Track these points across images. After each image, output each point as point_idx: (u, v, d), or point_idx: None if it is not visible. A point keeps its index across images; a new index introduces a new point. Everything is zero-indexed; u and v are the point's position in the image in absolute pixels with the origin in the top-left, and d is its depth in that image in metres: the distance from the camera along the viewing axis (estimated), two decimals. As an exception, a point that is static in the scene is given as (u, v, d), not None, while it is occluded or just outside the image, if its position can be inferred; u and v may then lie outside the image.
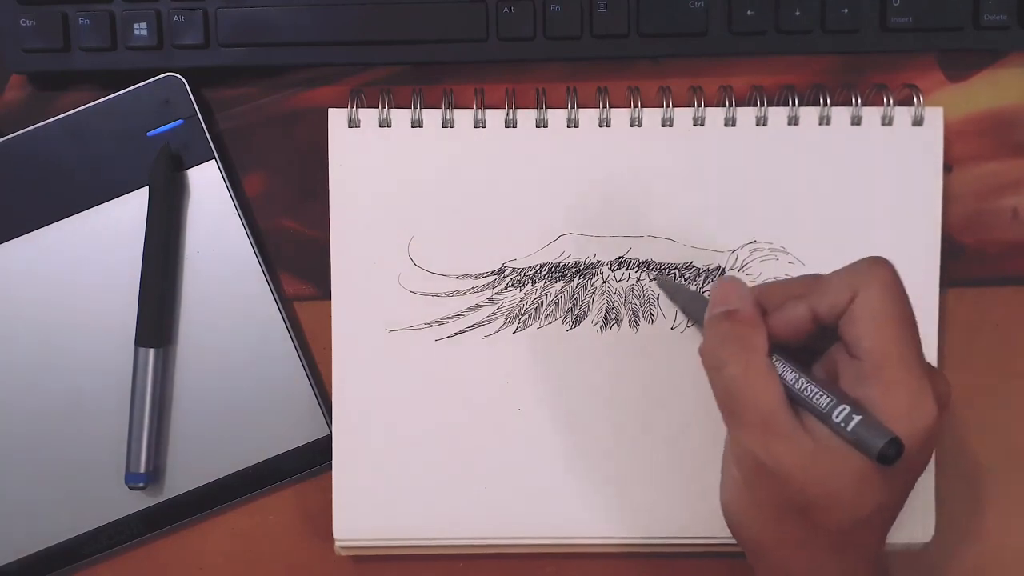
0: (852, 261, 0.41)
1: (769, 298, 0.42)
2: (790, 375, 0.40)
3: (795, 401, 0.39)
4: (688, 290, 0.49)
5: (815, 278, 0.41)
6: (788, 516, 0.39)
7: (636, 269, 0.50)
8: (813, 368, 0.42)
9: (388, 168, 0.49)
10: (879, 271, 0.40)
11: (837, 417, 0.38)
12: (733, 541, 0.49)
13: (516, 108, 0.49)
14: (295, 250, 0.51)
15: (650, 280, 0.49)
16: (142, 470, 0.49)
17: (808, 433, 0.39)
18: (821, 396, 0.39)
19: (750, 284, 0.49)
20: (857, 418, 0.37)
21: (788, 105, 0.49)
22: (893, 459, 0.37)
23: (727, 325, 0.41)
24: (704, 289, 0.49)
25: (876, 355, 0.38)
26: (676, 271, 0.49)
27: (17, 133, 0.50)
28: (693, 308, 0.46)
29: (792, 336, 0.41)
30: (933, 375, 0.39)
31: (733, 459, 0.41)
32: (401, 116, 0.49)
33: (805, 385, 0.39)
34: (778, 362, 0.40)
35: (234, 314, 0.50)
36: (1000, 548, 0.52)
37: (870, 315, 0.39)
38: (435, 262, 0.49)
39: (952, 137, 0.51)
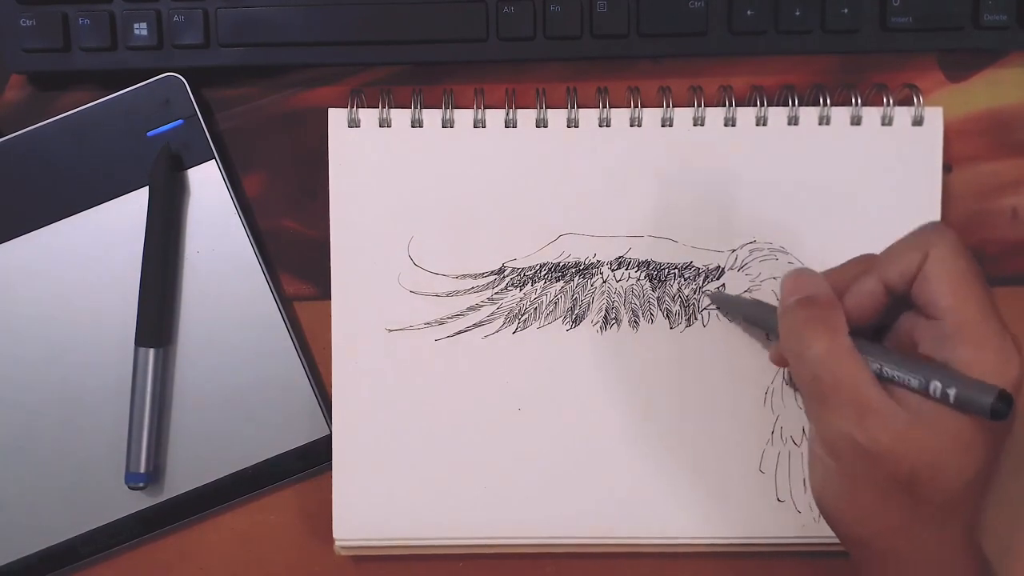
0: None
1: (837, 281, 0.42)
2: (875, 353, 0.39)
3: (883, 378, 0.39)
4: (745, 299, 0.49)
5: (871, 256, 0.42)
6: (892, 495, 0.39)
7: (636, 269, 0.50)
8: (886, 343, 0.41)
9: (388, 168, 0.49)
10: (944, 232, 0.40)
11: (935, 385, 0.37)
12: (734, 541, 0.50)
13: (516, 108, 0.49)
14: (295, 250, 0.51)
15: (705, 297, 0.49)
16: (142, 470, 0.49)
17: (901, 405, 0.38)
18: (911, 368, 0.38)
19: (749, 284, 0.49)
20: (957, 381, 0.37)
21: (788, 105, 0.49)
22: (1005, 413, 0.36)
23: (805, 311, 0.41)
24: (704, 289, 0.49)
25: (958, 312, 0.38)
26: (676, 271, 0.49)
27: (17, 133, 0.50)
28: (757, 314, 0.47)
29: (868, 313, 0.41)
30: (1011, 331, 0.39)
31: (825, 448, 0.40)
32: (401, 116, 0.49)
33: (892, 360, 0.39)
34: (860, 343, 0.40)
35: (234, 314, 0.50)
36: (1000, 548, 0.52)
37: (945, 274, 0.39)
38: (435, 262, 0.49)
39: (952, 137, 0.51)
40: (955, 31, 0.49)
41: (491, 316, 0.50)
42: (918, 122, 0.49)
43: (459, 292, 0.49)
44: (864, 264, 0.42)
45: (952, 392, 0.37)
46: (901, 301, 0.41)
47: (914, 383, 0.38)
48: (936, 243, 0.39)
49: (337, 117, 0.49)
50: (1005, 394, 0.36)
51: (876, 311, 0.41)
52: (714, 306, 0.49)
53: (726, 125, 0.49)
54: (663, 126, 0.49)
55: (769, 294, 0.49)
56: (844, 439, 0.39)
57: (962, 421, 0.37)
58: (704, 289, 0.49)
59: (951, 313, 0.38)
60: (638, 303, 0.50)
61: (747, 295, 0.49)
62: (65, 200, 0.50)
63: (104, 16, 0.48)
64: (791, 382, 0.49)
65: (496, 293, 0.50)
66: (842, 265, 0.43)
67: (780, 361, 0.45)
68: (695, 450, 0.49)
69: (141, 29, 0.49)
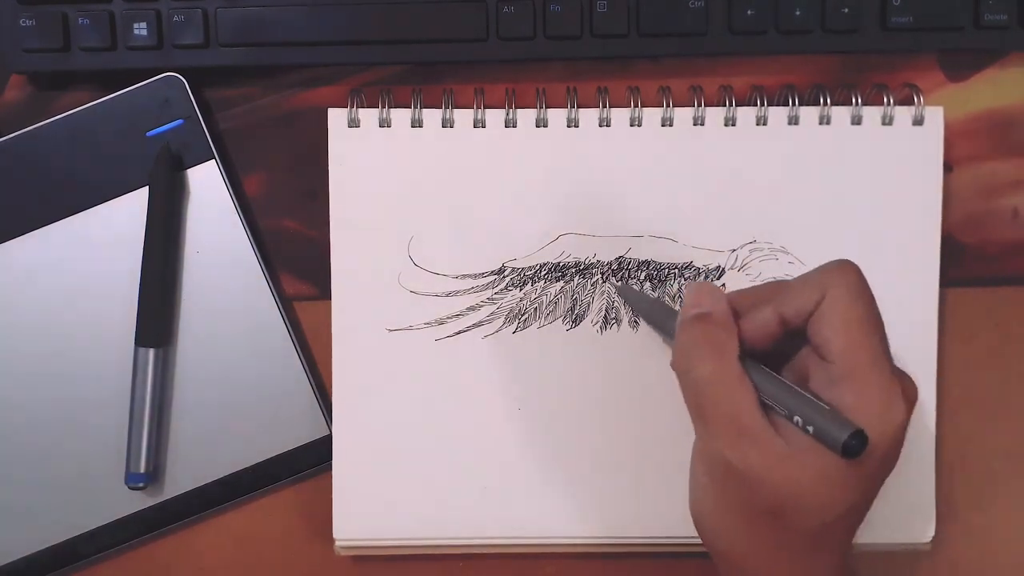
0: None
1: (740, 303, 0.42)
2: (760, 378, 0.40)
3: (765, 404, 0.39)
4: (650, 298, 0.49)
5: (783, 283, 0.42)
6: (759, 520, 0.39)
7: (636, 269, 0.50)
8: (783, 372, 0.42)
9: (388, 168, 0.49)
10: (845, 274, 0.40)
11: (798, 417, 0.38)
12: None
13: (516, 108, 0.49)
14: (295, 250, 0.51)
15: (614, 289, 0.49)
16: (142, 470, 0.49)
17: (779, 435, 0.38)
18: (789, 397, 0.39)
19: (749, 284, 0.49)
20: (819, 414, 0.37)
21: (788, 105, 0.49)
22: (858, 451, 0.37)
23: (699, 327, 0.41)
24: (613, 279, 0.49)
25: (846, 356, 0.39)
26: (676, 271, 0.49)
27: (17, 133, 0.50)
28: (657, 316, 0.46)
29: (761, 341, 0.41)
30: (901, 376, 0.39)
31: (702, 464, 0.40)
32: (401, 116, 0.49)
33: (774, 387, 0.39)
34: (749, 366, 0.40)
35: (234, 314, 0.50)
36: (1000, 548, 0.52)
37: (838, 317, 0.39)
38: (435, 262, 0.49)
39: (952, 137, 0.51)
40: (955, 31, 0.49)
41: (491, 316, 0.50)
42: (918, 122, 0.49)
43: (459, 292, 0.49)
44: (772, 292, 0.41)
45: (812, 425, 0.37)
46: (798, 335, 0.41)
47: (791, 404, 0.38)
48: (835, 283, 0.39)
49: (337, 117, 0.49)
50: (860, 433, 0.37)
51: (769, 341, 0.41)
52: (621, 299, 0.49)
53: (726, 125, 0.49)
54: (663, 126, 0.49)
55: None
56: (719, 460, 0.39)
57: (831, 458, 0.37)
58: (612, 279, 0.49)
59: (841, 357, 0.39)
60: (638, 303, 0.50)
61: (653, 293, 0.49)
62: (65, 200, 0.50)
63: (104, 16, 0.48)
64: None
65: (496, 293, 0.50)
66: (754, 287, 0.44)
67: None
68: (695, 450, 0.49)
69: (141, 29, 0.49)
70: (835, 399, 0.38)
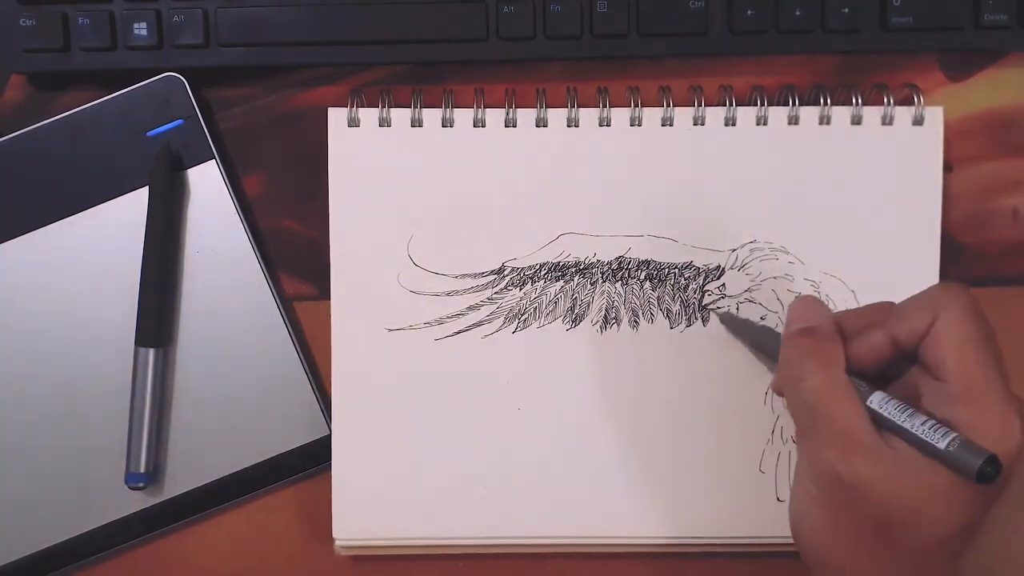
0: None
1: (845, 325, 0.42)
2: (873, 395, 0.39)
3: (878, 421, 0.39)
4: (755, 324, 0.49)
5: (889, 305, 0.42)
6: (867, 534, 0.39)
7: (636, 269, 0.50)
8: (888, 391, 0.41)
9: (388, 168, 0.49)
10: (957, 294, 0.40)
11: (929, 436, 0.37)
12: (734, 541, 0.50)
13: (516, 108, 0.49)
14: (295, 250, 0.51)
15: (718, 317, 0.49)
16: (142, 470, 0.49)
17: (890, 448, 0.38)
18: (908, 415, 0.38)
19: (749, 283, 0.49)
20: (952, 436, 0.37)
21: (788, 105, 0.49)
22: (992, 478, 0.36)
23: (806, 340, 0.41)
24: (715, 307, 0.49)
25: (963, 376, 0.38)
26: (676, 270, 0.49)
27: (17, 133, 0.50)
28: (764, 341, 0.47)
29: (871, 362, 0.41)
30: (1016, 397, 0.39)
31: (809, 475, 0.40)
32: (401, 116, 0.49)
33: (889, 404, 0.39)
34: (858, 383, 0.40)
35: (234, 314, 0.50)
36: (1001, 548, 0.52)
37: (954, 337, 0.39)
38: (435, 261, 0.49)
39: (952, 137, 0.51)
40: (955, 31, 0.49)
41: (491, 316, 0.50)
42: (918, 122, 0.49)
43: (459, 292, 0.49)
44: (879, 314, 0.42)
45: (943, 448, 0.37)
46: (908, 357, 0.41)
47: (908, 432, 0.38)
48: (948, 305, 0.39)
49: (337, 117, 0.49)
50: (995, 459, 0.36)
51: (880, 363, 0.41)
52: (725, 327, 0.49)
53: (726, 125, 0.49)
54: (663, 126, 0.49)
55: (769, 293, 0.49)
56: (828, 471, 0.39)
57: (948, 476, 0.37)
58: (715, 308, 0.49)
59: (957, 377, 0.39)
60: (638, 303, 0.50)
61: (757, 321, 0.49)
62: (65, 200, 0.50)
63: (104, 16, 0.48)
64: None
65: (496, 293, 0.50)
66: (858, 308, 0.44)
67: (779, 389, 0.46)
68: (695, 450, 0.49)
69: (141, 29, 0.49)
70: (951, 418, 0.38)
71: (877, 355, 0.41)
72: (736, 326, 0.49)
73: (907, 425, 0.38)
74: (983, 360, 0.39)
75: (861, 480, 0.38)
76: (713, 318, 0.49)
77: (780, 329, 0.48)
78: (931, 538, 0.38)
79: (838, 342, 0.41)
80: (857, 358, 0.41)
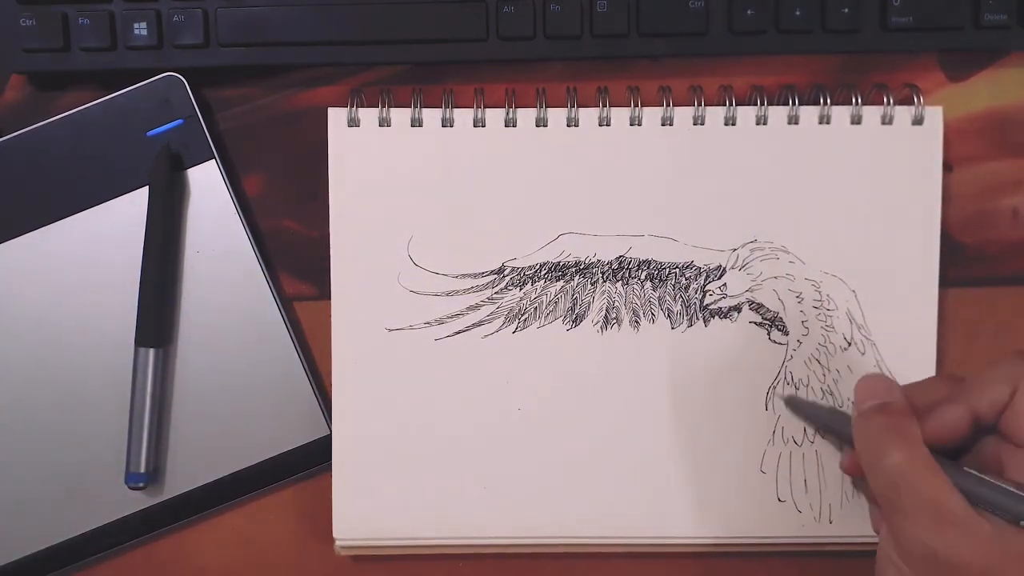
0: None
1: (915, 399, 0.42)
2: (955, 471, 0.39)
3: (966, 494, 0.38)
4: (823, 406, 0.49)
5: (958, 378, 0.42)
6: None
7: (636, 269, 0.50)
8: (962, 463, 0.41)
9: (388, 168, 0.49)
10: None
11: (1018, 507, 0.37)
12: (734, 541, 0.50)
13: (516, 108, 0.49)
14: (295, 250, 0.51)
15: (782, 401, 0.49)
16: (142, 470, 0.49)
17: (985, 520, 0.38)
18: (999, 486, 0.38)
19: (750, 283, 0.49)
20: None
21: (788, 105, 0.49)
22: None
23: (882, 417, 0.41)
24: (778, 391, 0.49)
25: None
26: (677, 270, 0.49)
27: (17, 133, 0.50)
28: (833, 422, 0.47)
29: (948, 437, 0.41)
30: None
31: (900, 554, 0.39)
32: (401, 116, 0.49)
33: (976, 479, 0.39)
34: (940, 459, 0.40)
35: (234, 314, 0.50)
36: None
37: None
38: (435, 262, 0.49)
39: (952, 137, 0.51)
40: (955, 31, 0.49)
41: (491, 316, 0.50)
42: (918, 122, 0.49)
43: (459, 292, 0.49)
44: (946, 386, 0.42)
45: None
46: (984, 428, 0.41)
47: (1000, 503, 0.38)
48: None
49: (337, 117, 0.49)
50: None
51: (958, 437, 0.41)
52: (789, 409, 0.49)
53: (726, 125, 0.49)
54: (663, 126, 0.49)
55: (770, 293, 0.49)
56: (922, 549, 0.38)
57: None
58: (779, 393, 0.49)
59: None
60: (639, 303, 0.50)
61: (824, 402, 0.49)
62: (65, 200, 0.50)
63: (104, 16, 0.48)
64: (800, 383, 0.49)
65: (496, 293, 0.49)
66: (922, 381, 0.44)
67: (852, 469, 0.45)
68: (696, 450, 0.49)
69: (141, 29, 0.49)
70: None
71: (956, 430, 0.41)
72: (802, 409, 0.49)
73: (998, 498, 0.38)
74: None
75: (960, 555, 0.37)
76: (714, 318, 0.49)
77: (847, 409, 0.49)
78: None
79: (911, 416, 0.41)
80: (935, 433, 0.40)
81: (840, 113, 0.49)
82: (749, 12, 0.49)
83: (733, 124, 0.49)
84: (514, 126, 0.49)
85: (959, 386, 0.42)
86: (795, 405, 0.49)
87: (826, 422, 0.48)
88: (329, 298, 0.49)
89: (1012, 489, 0.38)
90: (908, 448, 0.39)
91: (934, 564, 0.38)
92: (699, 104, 0.49)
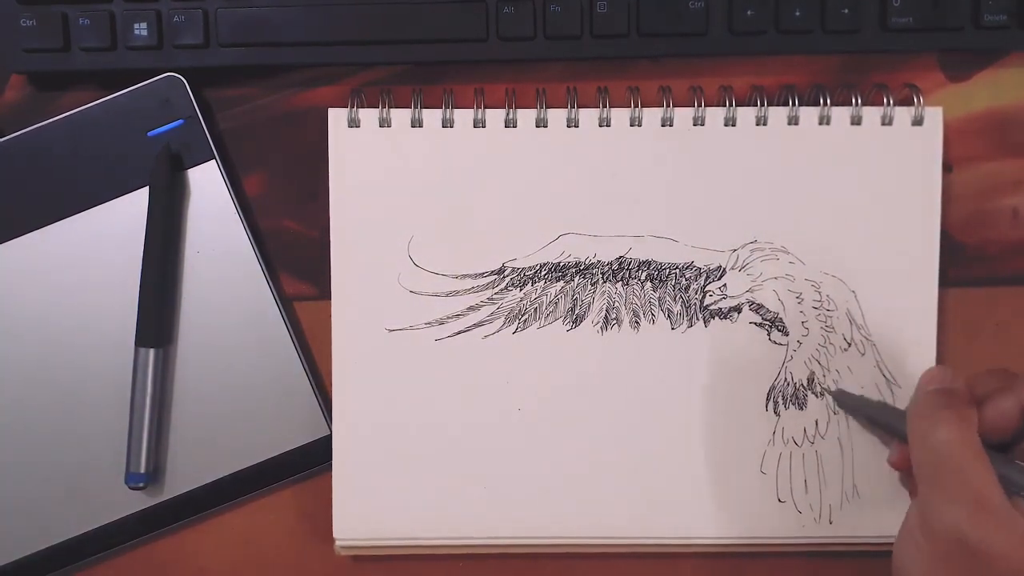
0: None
1: (973, 389, 0.42)
2: (1005, 463, 0.39)
3: (1009, 487, 0.39)
4: (871, 400, 0.49)
5: (1011, 372, 0.42)
6: None
7: (637, 269, 0.50)
8: (1013, 456, 0.41)
9: (388, 168, 0.49)
10: None
11: None
12: (734, 541, 0.50)
13: (516, 108, 0.49)
14: (295, 250, 0.51)
15: (830, 396, 0.49)
16: (142, 470, 0.49)
17: (1021, 516, 0.38)
18: None
19: (750, 284, 0.49)
20: None
21: (788, 105, 0.49)
22: None
23: (942, 397, 0.41)
24: (826, 385, 0.49)
25: None
26: (677, 271, 0.49)
27: (17, 133, 0.50)
28: (882, 415, 0.47)
29: (1000, 429, 0.41)
30: None
31: (926, 529, 0.39)
32: (401, 116, 0.49)
33: (1020, 471, 0.39)
34: (989, 450, 0.40)
35: (234, 314, 0.50)
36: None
37: None
38: (435, 262, 0.49)
39: (952, 137, 0.51)
40: (955, 31, 0.49)
41: (491, 316, 0.50)
42: (918, 122, 0.49)
43: (459, 292, 0.49)
44: (1002, 379, 0.42)
45: None
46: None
47: None
48: None
49: (337, 117, 0.49)
50: None
51: (1009, 428, 0.41)
52: (836, 403, 0.49)
53: (726, 125, 0.49)
54: (663, 126, 0.49)
55: (770, 294, 0.49)
56: (951, 529, 0.38)
57: None
58: (827, 386, 0.49)
59: None
60: (639, 303, 0.50)
61: (872, 397, 0.49)
62: (65, 200, 0.50)
63: (104, 16, 0.48)
64: (805, 386, 0.49)
65: (496, 293, 0.49)
66: (980, 374, 0.44)
67: (901, 463, 0.46)
68: (696, 450, 0.49)
69: (141, 29, 0.49)
70: None
71: (1007, 420, 0.41)
72: (850, 403, 0.49)
73: None
74: None
75: (991, 546, 0.37)
76: (714, 319, 0.49)
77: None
78: None
79: (972, 403, 0.41)
80: (988, 422, 0.41)
81: (840, 113, 0.49)
82: (749, 12, 0.49)
83: (733, 124, 0.49)
84: (514, 126, 0.49)
85: (1014, 379, 0.42)
86: (842, 399, 0.49)
87: (875, 415, 0.48)
88: (329, 298, 0.49)
89: None
90: (960, 429, 0.40)
91: (962, 549, 0.38)
92: (699, 104, 0.49)
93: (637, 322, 0.50)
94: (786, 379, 0.50)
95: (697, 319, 0.50)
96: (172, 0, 0.48)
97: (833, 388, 0.49)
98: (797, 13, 0.49)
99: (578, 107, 0.49)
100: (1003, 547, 0.37)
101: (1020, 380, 0.42)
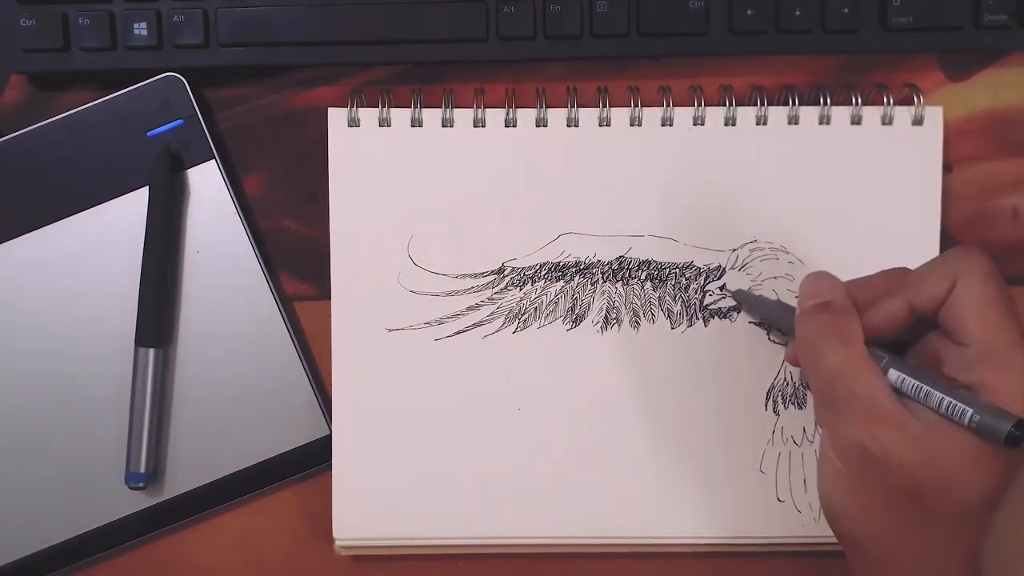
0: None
1: (858, 295, 0.42)
2: (894, 365, 0.40)
3: (901, 392, 0.39)
4: (769, 300, 0.49)
5: (903, 272, 0.42)
6: (898, 504, 0.39)
7: (636, 269, 0.50)
8: (907, 359, 0.42)
9: (388, 168, 0.49)
10: (974, 258, 0.40)
11: (952, 404, 0.38)
12: (734, 541, 0.50)
13: (516, 108, 0.49)
14: (295, 250, 0.51)
15: (728, 294, 0.49)
16: (142, 470, 0.49)
17: (915, 418, 0.38)
18: (930, 383, 0.39)
19: (750, 283, 0.49)
20: (976, 404, 0.37)
21: (788, 105, 0.49)
22: (1021, 440, 0.36)
23: (823, 316, 0.41)
24: (724, 286, 0.49)
25: (985, 340, 0.39)
26: (677, 270, 0.49)
27: (17, 133, 0.50)
28: (778, 316, 0.47)
29: (888, 331, 0.41)
30: None
31: (835, 451, 0.40)
32: (401, 116, 0.49)
33: (910, 374, 0.39)
34: (877, 355, 0.40)
35: (234, 314, 0.50)
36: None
37: (975, 301, 0.39)
38: (435, 262, 0.49)
39: (952, 137, 0.51)
40: (955, 31, 0.49)
41: (491, 316, 0.50)
42: (918, 122, 0.49)
43: (459, 292, 0.49)
44: (892, 279, 0.42)
45: (969, 415, 0.37)
46: (926, 322, 0.41)
47: (932, 401, 0.38)
48: (965, 270, 0.39)
49: (337, 117, 0.49)
50: (1022, 423, 0.36)
51: (898, 330, 0.41)
52: (736, 303, 0.49)
53: (726, 125, 0.49)
54: (663, 126, 0.49)
55: (770, 293, 0.49)
56: (854, 446, 0.39)
57: (975, 441, 0.37)
58: (727, 287, 0.49)
59: (978, 340, 0.39)
60: (639, 303, 0.50)
61: (771, 296, 0.49)
62: (65, 200, 0.50)
63: (104, 16, 0.48)
64: (803, 383, 0.49)
65: (496, 293, 0.50)
66: (869, 276, 0.43)
67: (795, 361, 0.45)
68: (695, 450, 0.49)
69: (141, 29, 0.49)
70: (975, 382, 0.38)
71: (894, 323, 0.41)
72: (750, 303, 0.49)
73: (930, 393, 0.38)
74: (1005, 323, 0.39)
75: (888, 452, 0.38)
76: (714, 319, 0.49)
77: (795, 303, 0.48)
78: (962, 504, 0.38)
79: (854, 315, 0.41)
80: (874, 327, 0.41)
81: (840, 113, 0.49)
82: (749, 12, 0.49)
83: (733, 124, 0.49)
84: (514, 126, 0.49)
85: (902, 280, 0.42)
86: (742, 298, 0.49)
87: (771, 316, 0.48)
88: (329, 298, 0.49)
89: (942, 383, 0.38)
90: (844, 348, 0.40)
91: (864, 459, 0.39)
92: (699, 104, 0.49)
93: (637, 322, 0.50)
94: (785, 378, 0.50)
95: (697, 319, 0.50)
96: (172, 0, 0.48)
97: (735, 289, 0.49)
98: (797, 13, 0.49)
99: (578, 107, 0.49)
100: (902, 451, 0.38)
101: (906, 281, 0.41)
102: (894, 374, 0.39)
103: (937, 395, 0.38)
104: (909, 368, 0.40)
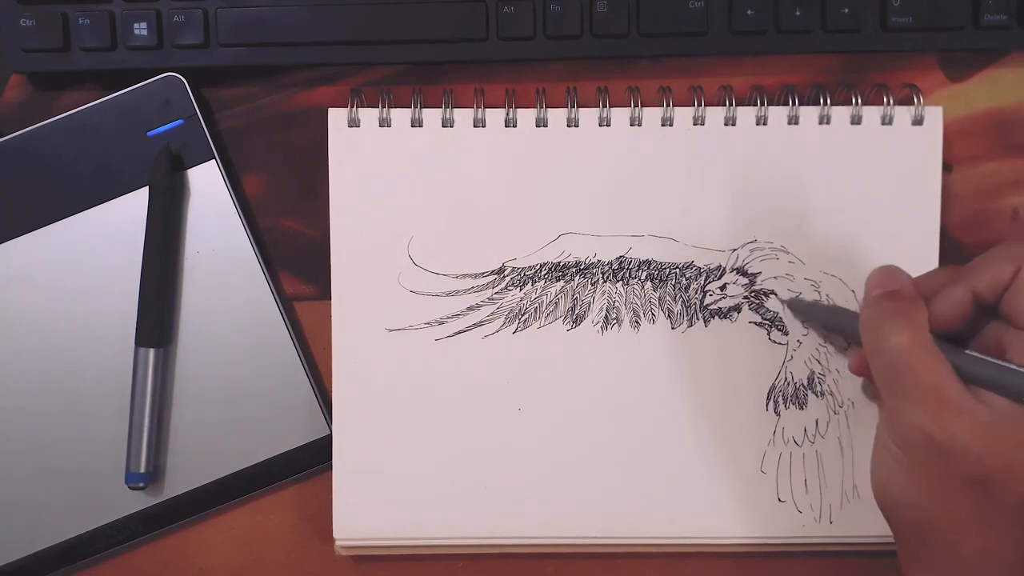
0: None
1: (923, 287, 0.42)
2: (959, 354, 0.39)
3: (967, 378, 0.39)
4: (825, 305, 0.49)
5: (963, 266, 0.42)
6: (963, 493, 0.38)
7: (637, 269, 0.50)
8: (969, 349, 0.41)
9: (388, 168, 0.49)
10: None
11: (1015, 386, 0.37)
12: (734, 541, 0.50)
13: (516, 108, 0.49)
14: (295, 250, 0.51)
15: (784, 303, 0.49)
16: (142, 470, 0.49)
17: (984, 405, 0.38)
18: (998, 368, 0.38)
19: (751, 283, 0.49)
20: None
21: (788, 105, 0.49)
22: None
23: (889, 303, 0.41)
24: (706, 289, 0.49)
25: None
26: (677, 270, 0.49)
27: (17, 133, 0.50)
28: (836, 320, 0.47)
29: (953, 320, 0.41)
30: None
31: (895, 437, 0.40)
32: (401, 116, 0.49)
33: (978, 362, 0.39)
34: (941, 342, 0.40)
35: (234, 314, 0.50)
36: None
37: None
38: (435, 262, 0.49)
39: (952, 137, 0.51)
40: (955, 31, 0.49)
41: (491, 316, 0.50)
42: (918, 122, 0.49)
43: (459, 292, 0.49)
44: (951, 274, 0.42)
45: None
46: (987, 310, 0.41)
47: (1001, 384, 0.38)
48: None
49: (337, 117, 0.49)
50: None
51: (961, 319, 0.41)
52: (790, 312, 0.49)
53: (726, 125, 0.49)
54: (663, 126, 0.49)
55: (784, 294, 0.49)
56: (918, 433, 0.38)
57: None
58: (780, 295, 0.49)
59: None
60: (639, 303, 0.50)
61: (826, 301, 0.49)
62: (65, 200, 0.50)
63: (104, 16, 0.48)
64: (804, 383, 0.49)
65: (496, 293, 0.50)
66: (929, 272, 0.44)
67: (860, 368, 0.45)
68: (696, 450, 0.49)
69: (141, 29, 0.49)
70: None
71: (959, 311, 0.41)
72: (805, 310, 0.49)
73: (1000, 377, 0.38)
74: None
75: (956, 439, 0.38)
76: (714, 319, 0.49)
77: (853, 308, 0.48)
78: None
79: (921, 302, 0.41)
80: (939, 316, 0.41)
81: (840, 113, 0.49)
82: (749, 12, 0.49)
83: (733, 124, 0.49)
84: (514, 126, 0.49)
85: (964, 269, 0.42)
86: (797, 307, 0.49)
87: (829, 320, 0.48)
88: (329, 298, 0.49)
89: (1013, 367, 0.38)
90: (911, 331, 0.40)
91: (930, 448, 0.38)
92: (699, 104, 0.49)
93: (637, 322, 0.50)
94: (786, 379, 0.50)
95: (697, 319, 0.50)
96: (172, 0, 0.48)
97: (789, 297, 0.49)
98: (797, 13, 0.49)
99: (578, 107, 0.49)
100: (970, 438, 0.37)
101: (967, 270, 0.41)
102: (960, 359, 0.39)
103: (1006, 377, 0.38)
104: (975, 356, 0.39)
